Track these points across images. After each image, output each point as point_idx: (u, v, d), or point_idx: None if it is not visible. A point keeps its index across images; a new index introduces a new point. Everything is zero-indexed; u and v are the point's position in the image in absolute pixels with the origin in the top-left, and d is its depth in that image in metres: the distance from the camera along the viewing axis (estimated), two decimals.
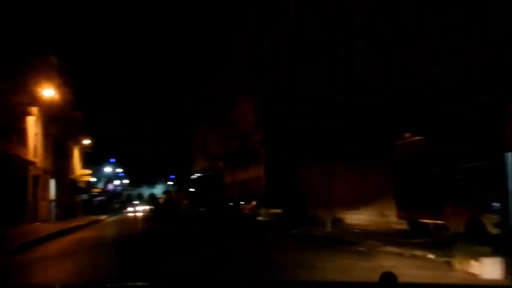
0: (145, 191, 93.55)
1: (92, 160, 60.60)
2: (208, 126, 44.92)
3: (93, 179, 67.41)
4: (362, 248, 12.59)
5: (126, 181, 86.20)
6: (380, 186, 18.33)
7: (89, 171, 45.82)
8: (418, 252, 11.20)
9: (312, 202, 17.33)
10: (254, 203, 19.62)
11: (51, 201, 31.85)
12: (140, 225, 29.07)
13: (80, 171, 44.68)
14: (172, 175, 76.52)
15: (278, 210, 18.71)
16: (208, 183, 42.26)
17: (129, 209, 48.77)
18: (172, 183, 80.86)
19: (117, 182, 77.78)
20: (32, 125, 25.94)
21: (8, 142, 21.96)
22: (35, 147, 26.85)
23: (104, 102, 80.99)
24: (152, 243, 16.50)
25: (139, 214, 46.08)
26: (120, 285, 3.74)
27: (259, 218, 19.04)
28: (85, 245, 16.35)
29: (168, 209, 42.05)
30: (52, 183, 32.01)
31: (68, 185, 38.81)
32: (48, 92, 24.93)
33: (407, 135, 16.48)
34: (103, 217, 39.99)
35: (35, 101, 25.05)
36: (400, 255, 11.36)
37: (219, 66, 36.77)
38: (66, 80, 35.46)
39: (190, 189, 49.13)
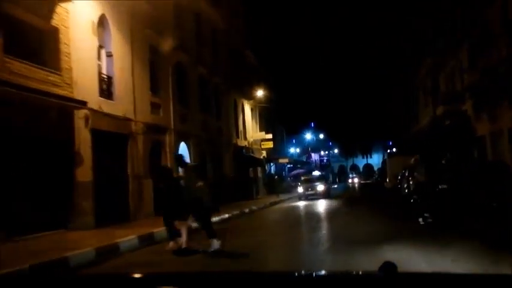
0: (361, 162, 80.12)
1: (287, 126, 49.43)
2: (439, 50, 27.72)
3: (295, 150, 56.53)
4: None
5: (336, 151, 73.40)
6: None
7: (269, 136, 33.68)
8: None
9: None
10: None
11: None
12: (327, 214, 17.09)
13: (256, 135, 33.00)
14: (390, 140, 59.53)
15: None
16: (445, 140, 24.80)
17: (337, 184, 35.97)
18: (391, 149, 64.06)
19: (323, 152, 65.48)
20: (90, 29, 13.93)
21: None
22: (107, 80, 15.00)
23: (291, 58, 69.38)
24: None
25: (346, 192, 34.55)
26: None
27: None
28: None
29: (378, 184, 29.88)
30: (184, 149, 20.25)
31: (233, 155, 27.24)
32: None
33: None
34: (284, 198, 27.69)
35: None
36: None
37: None
38: None
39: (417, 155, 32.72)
